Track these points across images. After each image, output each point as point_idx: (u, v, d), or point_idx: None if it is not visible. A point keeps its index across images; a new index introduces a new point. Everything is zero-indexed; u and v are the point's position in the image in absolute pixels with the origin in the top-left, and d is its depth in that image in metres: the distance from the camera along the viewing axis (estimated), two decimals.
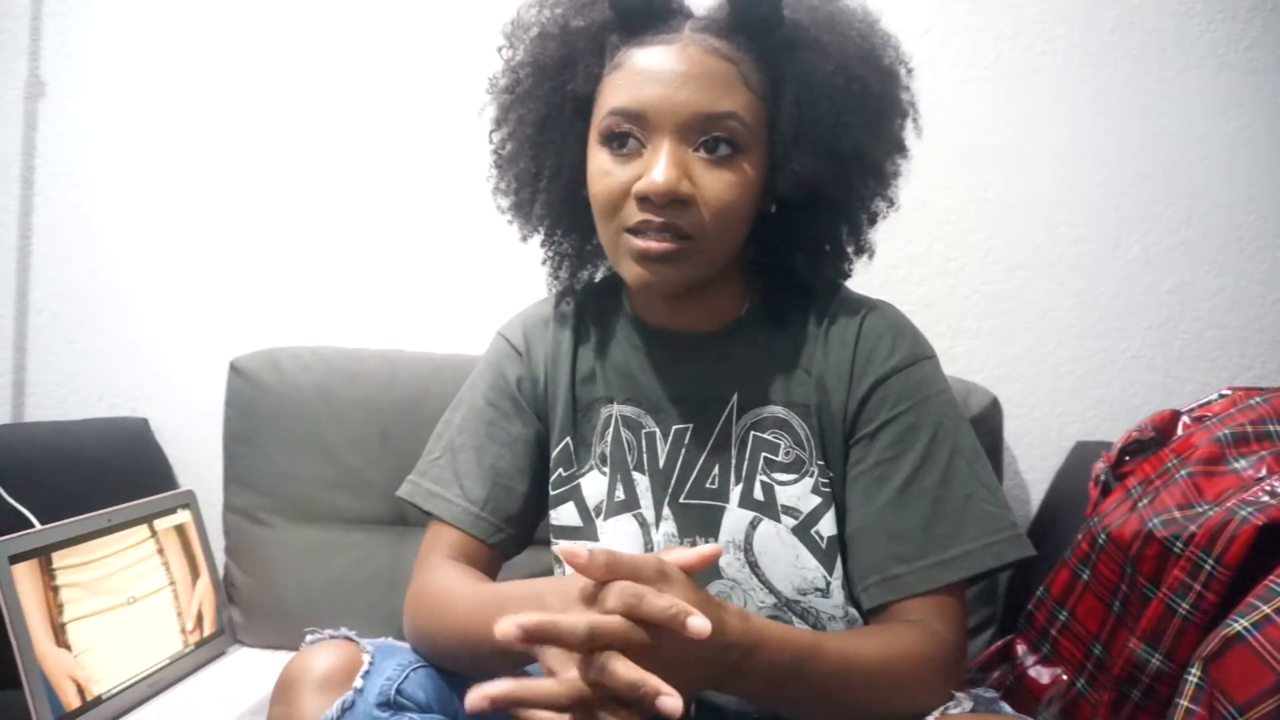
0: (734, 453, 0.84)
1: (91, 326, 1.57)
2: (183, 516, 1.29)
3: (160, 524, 1.24)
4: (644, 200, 0.74)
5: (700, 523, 0.84)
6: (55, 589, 1.05)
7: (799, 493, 0.82)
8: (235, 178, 1.53)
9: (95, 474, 1.32)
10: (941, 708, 0.71)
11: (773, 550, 0.82)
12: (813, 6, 0.80)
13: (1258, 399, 0.97)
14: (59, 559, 1.06)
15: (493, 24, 1.53)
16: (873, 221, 0.87)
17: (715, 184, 0.75)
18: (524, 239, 0.92)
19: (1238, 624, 0.72)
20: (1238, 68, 1.35)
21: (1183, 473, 0.93)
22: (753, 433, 0.84)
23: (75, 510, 1.11)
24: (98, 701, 1.06)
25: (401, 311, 1.51)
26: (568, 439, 0.89)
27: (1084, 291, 1.40)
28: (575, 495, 0.88)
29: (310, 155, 1.52)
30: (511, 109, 0.85)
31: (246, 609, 1.35)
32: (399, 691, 0.72)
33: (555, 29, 0.81)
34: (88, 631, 1.07)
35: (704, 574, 0.83)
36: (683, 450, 0.85)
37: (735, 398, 0.84)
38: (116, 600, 1.13)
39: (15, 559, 1.00)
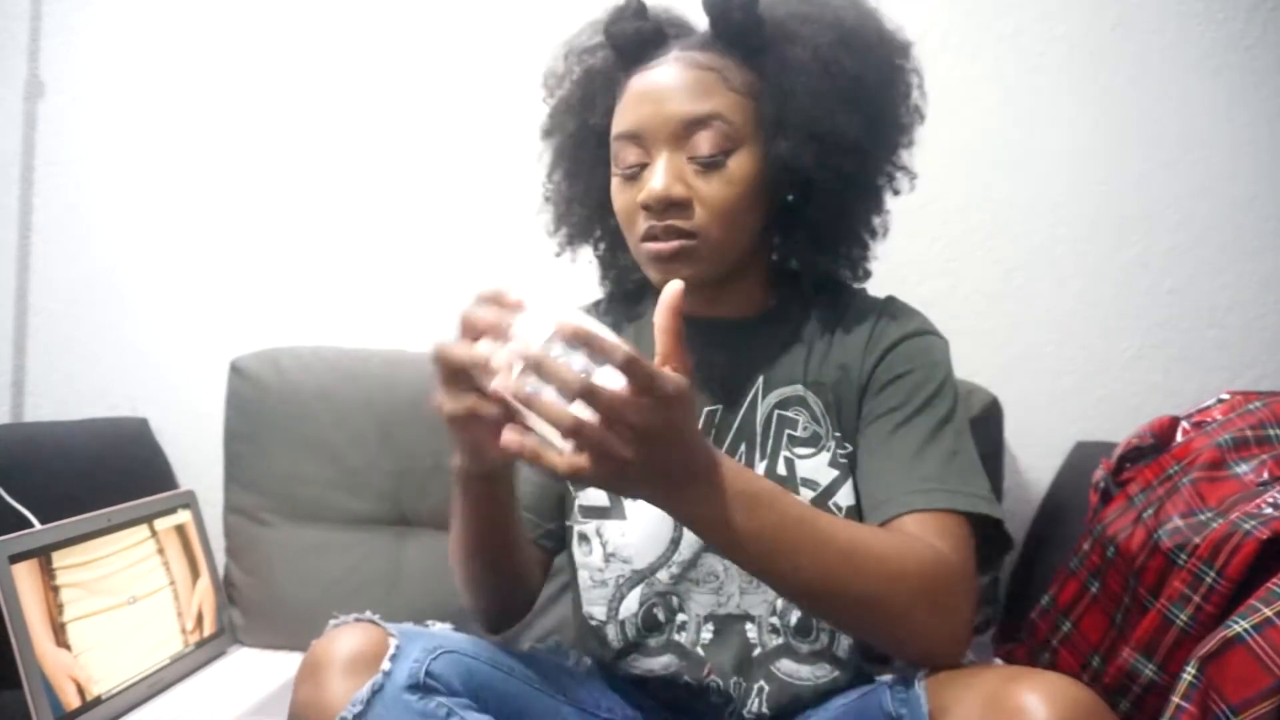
0: (759, 431, 0.88)
1: (91, 326, 1.57)
2: (183, 516, 1.29)
3: (160, 524, 1.24)
4: (646, 209, 0.82)
5: None
6: (55, 589, 1.05)
7: (817, 465, 0.86)
8: (235, 178, 1.53)
9: (95, 474, 1.32)
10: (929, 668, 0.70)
11: None
12: (791, 2, 0.85)
13: (1256, 403, 0.97)
14: (59, 559, 1.06)
15: (492, 25, 1.54)
16: (878, 208, 0.91)
17: (710, 186, 0.82)
18: (579, 255, 1.00)
19: (1238, 625, 0.72)
20: (1238, 68, 1.35)
21: (1185, 479, 0.93)
22: (777, 411, 0.88)
23: (75, 510, 1.11)
24: (98, 701, 1.06)
25: (403, 312, 1.51)
26: None
27: (1084, 291, 1.40)
28: None
29: (310, 155, 1.52)
30: (551, 148, 0.97)
31: (246, 609, 1.35)
32: (428, 674, 0.71)
33: (576, 72, 0.91)
34: (88, 631, 1.07)
35: None
36: (712, 430, 0.89)
37: (761, 379, 0.89)
38: (117, 600, 1.13)
39: (15, 559, 1.00)
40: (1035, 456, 1.41)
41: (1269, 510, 0.82)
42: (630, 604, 0.89)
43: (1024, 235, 1.40)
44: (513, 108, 1.45)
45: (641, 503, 0.86)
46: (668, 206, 0.81)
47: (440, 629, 0.81)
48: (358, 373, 1.37)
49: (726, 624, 0.86)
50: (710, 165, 0.81)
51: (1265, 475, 0.88)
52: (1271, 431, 0.92)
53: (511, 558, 0.86)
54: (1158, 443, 1.04)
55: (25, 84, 1.54)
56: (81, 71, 1.55)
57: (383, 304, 1.52)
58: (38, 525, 1.11)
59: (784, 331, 0.91)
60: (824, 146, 0.82)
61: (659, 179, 0.80)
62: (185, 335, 1.55)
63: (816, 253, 0.89)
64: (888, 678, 0.77)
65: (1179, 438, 1.02)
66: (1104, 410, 1.40)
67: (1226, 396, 1.03)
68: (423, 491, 1.34)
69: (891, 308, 0.91)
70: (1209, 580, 0.82)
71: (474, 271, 1.48)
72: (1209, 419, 1.01)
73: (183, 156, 1.54)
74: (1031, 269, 1.40)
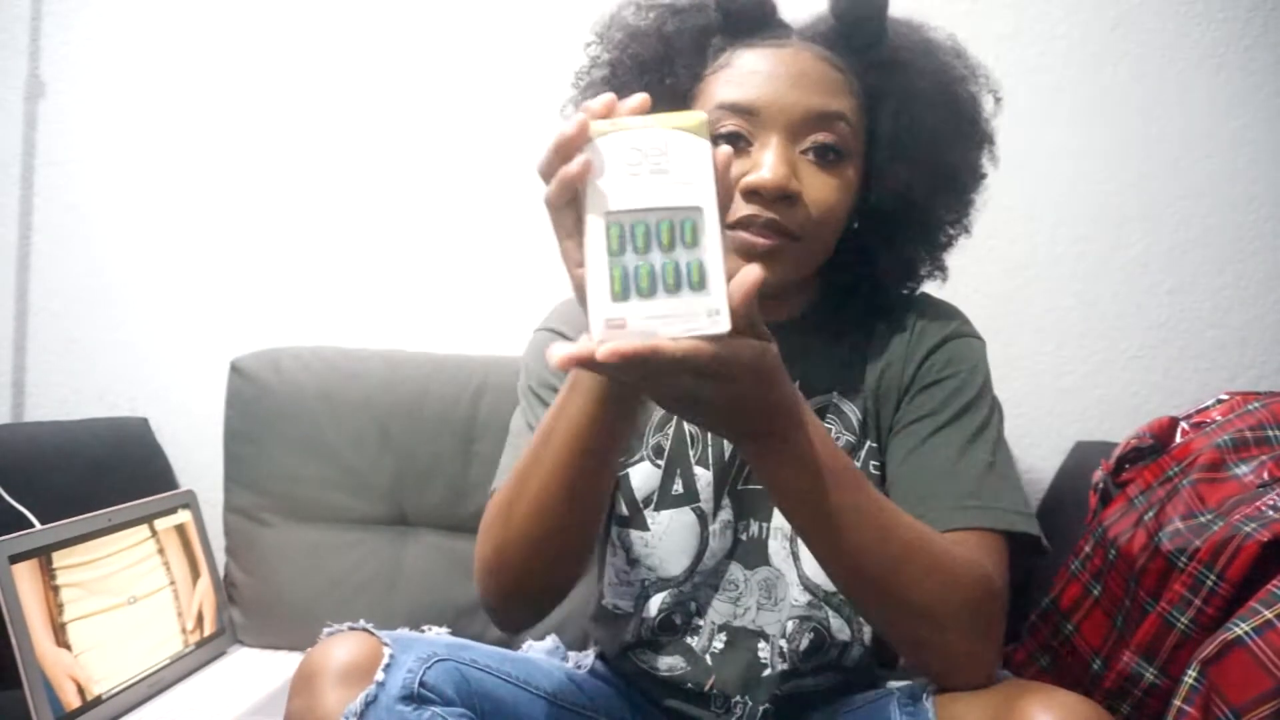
0: None
1: (91, 326, 1.57)
2: (183, 516, 1.30)
3: (160, 524, 1.25)
4: (753, 194, 0.76)
5: (754, 507, 0.85)
6: (55, 589, 1.05)
7: None
8: (235, 178, 1.53)
9: (95, 474, 1.32)
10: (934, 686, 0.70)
11: None
12: (910, 30, 0.85)
13: (1255, 404, 0.97)
14: (59, 559, 1.06)
15: (490, 26, 1.53)
16: (947, 245, 0.90)
17: (821, 186, 0.78)
18: None
19: (1239, 628, 0.72)
20: (1238, 68, 1.35)
21: (1185, 481, 0.93)
22: None
23: (75, 510, 1.11)
24: (98, 701, 1.06)
25: (402, 311, 1.51)
26: None
27: (1084, 291, 1.39)
28: (622, 485, 0.88)
29: (310, 155, 1.52)
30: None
31: (246, 609, 1.35)
32: (421, 684, 0.70)
33: (652, 31, 0.84)
34: (88, 631, 1.07)
35: (755, 558, 0.85)
36: None
37: (797, 385, 0.86)
38: (117, 600, 1.13)
39: (15, 559, 1.00)
40: (1035, 456, 1.41)
41: (1269, 512, 0.82)
42: (652, 606, 0.87)
43: (1024, 235, 1.40)
44: (512, 108, 1.45)
45: (671, 515, 0.86)
46: (779, 199, 0.76)
47: (436, 634, 0.80)
48: (358, 373, 1.37)
49: (739, 637, 0.85)
50: (829, 164, 0.78)
51: (1265, 476, 0.88)
52: (1271, 432, 0.92)
53: (603, 502, 0.77)
54: (1157, 443, 1.03)
55: (25, 84, 1.54)
56: (81, 71, 1.55)
57: (383, 304, 1.52)
58: (38, 525, 1.11)
59: (821, 336, 0.88)
60: (931, 176, 0.82)
61: (776, 167, 0.75)
62: (185, 335, 1.55)
63: (878, 274, 0.87)
64: (895, 685, 0.76)
65: (1178, 438, 1.02)
66: (1104, 410, 1.40)
67: (1225, 397, 1.03)
68: (423, 491, 1.34)
69: (930, 307, 0.89)
70: (1209, 583, 0.82)
71: (473, 272, 1.48)
72: (1208, 419, 1.01)
73: (183, 156, 1.54)
74: (1031, 269, 1.40)
